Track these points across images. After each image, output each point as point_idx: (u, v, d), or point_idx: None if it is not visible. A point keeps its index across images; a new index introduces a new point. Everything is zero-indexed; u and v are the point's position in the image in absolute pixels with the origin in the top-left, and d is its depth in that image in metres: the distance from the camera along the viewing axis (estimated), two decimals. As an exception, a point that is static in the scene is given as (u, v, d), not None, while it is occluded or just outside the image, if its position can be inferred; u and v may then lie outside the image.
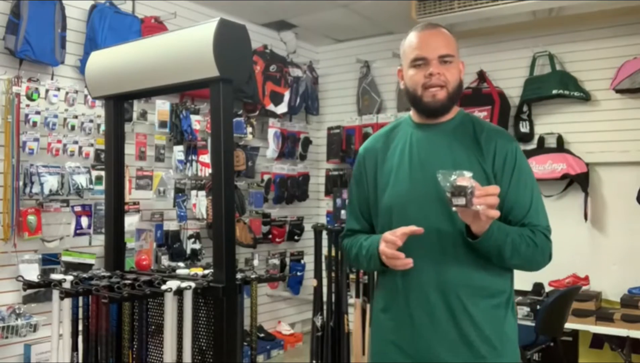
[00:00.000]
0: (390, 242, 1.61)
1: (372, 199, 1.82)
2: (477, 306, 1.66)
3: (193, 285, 1.83)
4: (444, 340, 1.66)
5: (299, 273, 5.52)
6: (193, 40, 1.86)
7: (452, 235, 1.65)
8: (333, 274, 3.42)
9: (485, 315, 1.66)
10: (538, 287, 4.41)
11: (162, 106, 4.37)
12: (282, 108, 5.29)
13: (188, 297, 1.83)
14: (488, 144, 1.70)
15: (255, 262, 5.09)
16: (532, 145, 4.75)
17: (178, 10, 4.48)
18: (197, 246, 4.61)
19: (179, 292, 1.82)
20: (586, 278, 4.41)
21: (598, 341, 4.27)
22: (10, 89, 3.49)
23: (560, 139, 4.61)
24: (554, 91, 4.56)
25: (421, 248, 1.65)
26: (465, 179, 1.48)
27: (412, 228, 1.60)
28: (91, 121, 3.91)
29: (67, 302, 1.93)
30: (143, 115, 4.28)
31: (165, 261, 4.30)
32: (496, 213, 1.50)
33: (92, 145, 3.90)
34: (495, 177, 1.67)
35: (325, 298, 3.46)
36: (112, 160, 2.24)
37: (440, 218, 1.64)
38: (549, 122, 4.71)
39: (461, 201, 1.47)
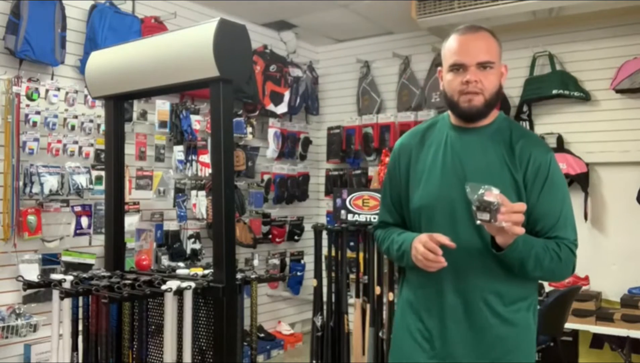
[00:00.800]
0: (431, 250, 1.62)
1: (404, 196, 1.83)
2: (497, 312, 1.67)
3: (193, 285, 1.83)
4: (462, 341, 1.68)
5: (299, 273, 5.52)
6: (193, 40, 1.86)
7: (477, 243, 1.65)
8: (333, 274, 3.42)
9: (506, 321, 1.67)
10: (538, 287, 4.41)
11: (162, 106, 4.37)
12: (282, 108, 5.29)
13: (188, 297, 1.83)
14: (523, 154, 1.69)
15: (255, 262, 5.09)
16: (532, 145, 4.74)
17: (178, 10, 4.48)
18: (197, 246, 4.61)
19: (179, 292, 1.82)
20: (586, 278, 4.41)
21: (598, 341, 4.27)
22: (10, 89, 3.49)
23: (560, 139, 4.61)
24: (554, 91, 4.56)
25: (446, 255, 1.65)
26: (492, 194, 1.47)
27: (446, 241, 1.61)
28: (91, 121, 3.91)
29: (67, 302, 1.93)
30: (143, 115, 4.28)
31: (165, 261, 4.30)
32: (521, 230, 1.51)
33: (92, 145, 3.90)
34: (525, 187, 1.67)
35: (325, 298, 3.46)
36: (112, 160, 2.24)
37: (467, 224, 1.64)
38: (549, 122, 4.71)
39: (485, 216, 1.48)
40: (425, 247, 1.63)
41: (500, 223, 1.47)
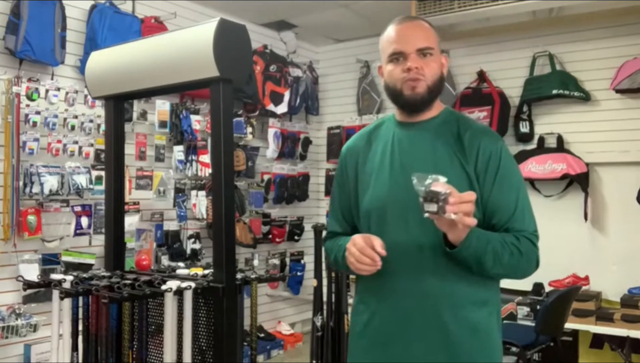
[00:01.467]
0: (368, 256, 1.53)
1: (353, 202, 1.75)
2: (456, 316, 1.57)
3: (193, 285, 1.83)
4: (418, 350, 1.58)
5: (299, 273, 5.52)
6: (193, 40, 1.86)
7: (432, 243, 1.56)
8: (333, 274, 3.42)
9: (463, 326, 1.57)
10: (538, 287, 4.41)
11: (162, 106, 4.37)
12: (282, 108, 5.29)
13: (188, 297, 1.83)
14: (472, 144, 1.61)
15: (255, 262, 5.09)
16: (532, 145, 4.75)
17: (178, 10, 4.48)
18: (197, 246, 4.61)
19: (179, 292, 1.82)
20: (586, 278, 4.41)
21: (598, 341, 4.27)
22: (10, 89, 3.49)
23: (560, 139, 4.61)
24: (554, 91, 4.56)
25: (399, 257, 1.58)
26: (439, 184, 1.38)
27: (379, 247, 1.53)
28: (91, 121, 3.91)
29: (67, 302, 1.93)
30: (143, 115, 4.28)
31: (165, 261, 4.30)
32: (472, 221, 1.41)
33: (92, 145, 3.90)
34: (478, 179, 1.59)
35: (325, 298, 3.46)
36: (112, 160, 2.24)
37: (420, 224, 1.54)
38: (549, 122, 4.71)
39: (432, 207, 1.38)
40: (362, 252, 1.54)
41: (449, 215, 1.37)
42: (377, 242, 1.53)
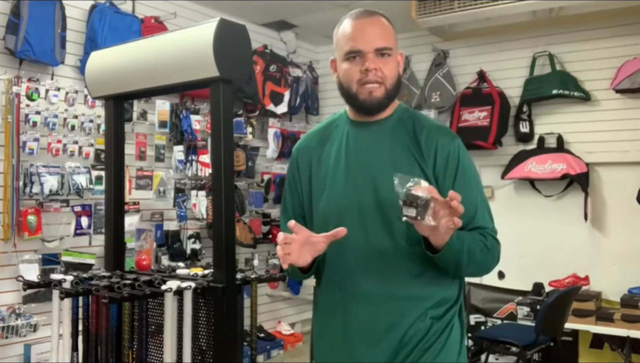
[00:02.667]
0: (285, 242, 1.44)
1: (307, 206, 1.66)
2: (419, 318, 1.52)
3: (193, 285, 1.83)
4: (380, 354, 1.53)
5: (299, 273, 5.51)
6: (193, 40, 1.86)
7: (392, 245, 1.52)
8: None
9: (425, 327, 1.52)
10: (538, 287, 4.41)
11: (162, 106, 4.37)
12: (282, 108, 5.29)
13: (188, 297, 1.83)
14: (428, 144, 1.55)
15: (255, 262, 5.09)
16: (532, 145, 4.75)
17: (178, 10, 4.48)
18: (197, 246, 4.61)
19: (179, 292, 1.82)
20: (586, 278, 4.41)
21: (598, 341, 4.27)
22: (10, 89, 3.49)
23: (560, 139, 4.61)
24: (554, 91, 4.56)
25: (359, 260, 1.54)
26: (421, 188, 1.33)
27: (336, 230, 1.45)
28: (91, 121, 3.91)
29: (67, 302, 1.93)
30: (143, 115, 4.28)
31: (165, 261, 4.30)
32: (458, 223, 1.34)
33: (92, 145, 3.90)
34: (437, 180, 1.54)
35: (325, 298, 3.45)
36: (112, 160, 2.24)
37: (380, 227, 1.52)
38: (549, 122, 4.71)
39: (412, 212, 1.32)
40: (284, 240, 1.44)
41: (428, 221, 1.32)
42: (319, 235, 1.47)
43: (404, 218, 1.35)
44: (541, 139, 4.70)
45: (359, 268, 1.54)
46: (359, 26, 1.56)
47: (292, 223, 1.45)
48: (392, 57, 1.56)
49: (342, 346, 1.59)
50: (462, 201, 1.47)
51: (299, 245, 1.45)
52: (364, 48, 1.53)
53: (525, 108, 4.76)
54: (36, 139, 3.59)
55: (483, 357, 4.05)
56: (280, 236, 1.44)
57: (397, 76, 1.59)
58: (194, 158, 4.57)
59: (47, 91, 3.69)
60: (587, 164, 4.45)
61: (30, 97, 3.60)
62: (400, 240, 1.51)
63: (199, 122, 4.56)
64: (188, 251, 4.55)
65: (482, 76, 4.91)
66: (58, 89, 3.75)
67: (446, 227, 1.34)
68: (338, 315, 1.60)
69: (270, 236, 5.33)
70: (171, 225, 4.48)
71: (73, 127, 3.81)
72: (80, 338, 1.96)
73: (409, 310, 1.52)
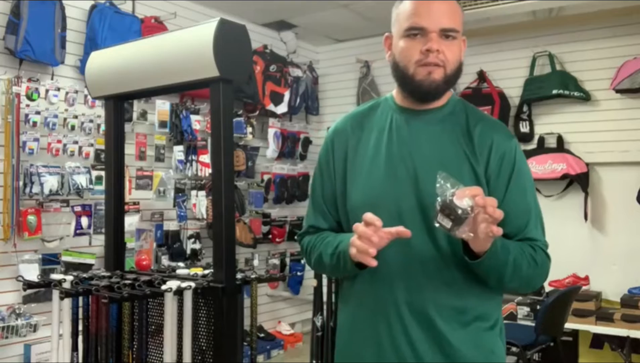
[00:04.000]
0: (365, 235, 1.28)
1: (340, 194, 1.51)
2: (456, 330, 1.39)
3: (193, 285, 1.83)
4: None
5: (299, 273, 5.52)
6: (193, 40, 1.86)
7: (431, 248, 1.38)
8: (333, 274, 3.42)
9: (465, 340, 1.39)
10: (540, 289, 4.41)
11: (162, 106, 4.37)
12: (282, 108, 5.29)
13: (188, 297, 1.83)
14: (482, 141, 1.42)
15: (255, 262, 5.09)
16: (532, 145, 4.75)
17: (178, 10, 4.48)
18: (197, 246, 4.61)
19: (179, 292, 1.82)
20: (586, 278, 4.41)
21: (598, 341, 4.27)
22: (10, 89, 3.49)
23: (560, 139, 4.61)
24: (554, 91, 4.56)
25: (394, 261, 1.39)
26: (464, 198, 1.19)
27: (400, 229, 1.29)
28: (91, 121, 3.91)
29: (67, 302, 1.93)
30: (143, 115, 4.28)
31: (165, 261, 4.30)
32: (499, 231, 1.21)
33: (92, 145, 3.90)
34: (488, 182, 1.40)
35: (325, 298, 3.46)
36: (112, 160, 2.24)
37: (418, 227, 1.37)
38: (549, 122, 4.71)
39: (446, 222, 1.20)
40: (358, 230, 1.29)
41: (462, 234, 1.21)
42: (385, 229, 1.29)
43: (437, 224, 1.22)
44: (541, 139, 4.70)
45: (393, 272, 1.40)
46: (426, 2, 1.39)
47: (369, 215, 1.28)
48: (457, 41, 1.42)
49: (373, 354, 1.45)
50: (515, 208, 1.38)
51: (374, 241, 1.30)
52: (429, 26, 1.37)
53: (525, 108, 4.76)
54: (36, 139, 3.59)
55: (483, 357, 4.04)
56: (361, 227, 1.29)
57: (459, 62, 1.44)
58: (194, 158, 4.57)
59: (47, 91, 3.69)
60: (587, 164, 4.45)
61: (30, 97, 3.60)
62: (441, 242, 1.38)
63: (199, 122, 4.56)
64: (188, 251, 4.55)
65: (482, 76, 4.91)
66: (58, 89, 3.75)
67: (485, 234, 1.21)
68: (366, 325, 1.47)
69: (270, 236, 5.33)
70: (171, 225, 4.48)
71: (73, 128, 3.81)
72: (80, 338, 1.96)
73: (448, 324, 1.39)
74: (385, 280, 1.42)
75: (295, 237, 1.83)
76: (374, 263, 1.28)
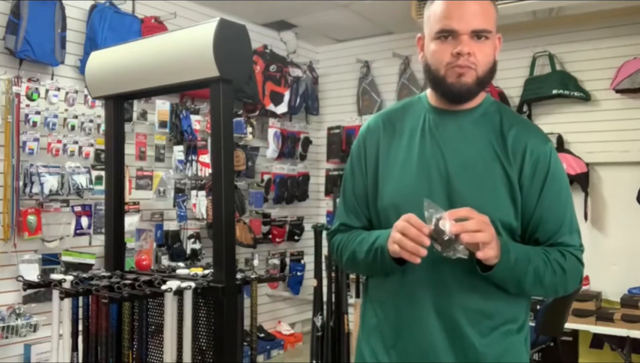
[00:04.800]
0: (418, 239, 1.28)
1: (372, 193, 1.50)
2: (483, 335, 1.39)
3: (193, 285, 1.83)
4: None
5: (299, 273, 5.52)
6: (193, 40, 1.86)
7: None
8: (333, 274, 3.42)
9: (491, 345, 1.39)
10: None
11: (162, 106, 4.37)
12: (282, 108, 5.29)
13: (188, 297, 1.83)
14: (516, 144, 1.40)
15: (255, 262, 5.09)
16: (532, 145, 4.75)
17: (178, 10, 4.48)
18: (197, 246, 4.61)
19: (179, 292, 1.82)
20: (586, 278, 4.41)
21: (598, 341, 4.27)
22: (10, 89, 3.49)
23: (560, 139, 4.61)
24: (554, 91, 4.56)
25: (424, 262, 1.35)
26: (448, 222, 1.23)
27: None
28: (91, 121, 3.91)
29: (67, 302, 1.93)
30: (143, 115, 4.28)
31: (165, 261, 4.30)
32: (483, 237, 1.24)
33: (92, 145, 3.90)
34: (522, 187, 1.38)
35: (325, 298, 3.46)
36: (112, 160, 2.23)
37: None
38: (549, 122, 4.70)
39: (437, 247, 1.25)
40: (409, 222, 1.29)
41: (458, 254, 1.24)
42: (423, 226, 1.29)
43: (435, 249, 1.26)
44: (541, 139, 4.70)
45: (422, 273, 1.39)
46: (457, 3, 1.38)
47: (414, 219, 1.29)
48: (489, 41, 1.41)
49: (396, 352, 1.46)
50: (548, 213, 1.39)
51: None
52: (459, 28, 1.36)
53: (525, 108, 4.76)
54: (36, 139, 3.59)
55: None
56: (410, 228, 1.29)
57: (493, 62, 1.44)
58: (194, 158, 4.57)
59: (47, 91, 3.69)
60: (587, 164, 4.45)
61: (30, 97, 3.60)
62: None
63: (199, 122, 4.56)
64: (188, 251, 4.55)
65: (482, 76, 4.91)
66: (58, 89, 3.75)
67: (481, 258, 1.25)
68: (393, 324, 1.46)
69: (270, 236, 5.33)
70: (171, 225, 4.48)
71: (73, 127, 3.81)
72: (80, 338, 1.96)
73: (473, 327, 1.38)
74: (415, 280, 1.42)
75: (325, 235, 1.82)
76: (418, 260, 1.28)
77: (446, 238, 1.23)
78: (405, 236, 1.29)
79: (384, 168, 1.49)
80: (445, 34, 1.38)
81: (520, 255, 1.33)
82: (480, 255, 1.24)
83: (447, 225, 1.23)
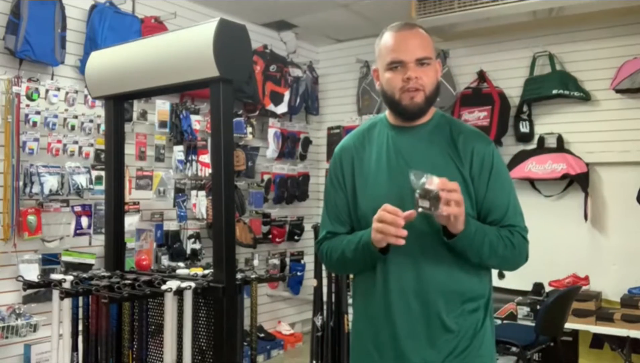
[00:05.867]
0: (394, 222, 1.53)
1: (351, 200, 1.77)
2: (454, 312, 1.64)
3: (193, 285, 1.83)
4: (418, 343, 1.64)
5: (299, 273, 5.52)
6: (193, 40, 1.86)
7: (431, 237, 1.63)
8: (333, 274, 3.42)
9: (460, 321, 1.65)
10: (538, 287, 4.41)
11: (162, 106, 4.37)
12: (282, 108, 5.29)
13: (188, 297, 1.83)
14: (465, 148, 1.69)
15: (255, 262, 5.09)
16: (532, 145, 4.75)
17: (178, 10, 4.48)
18: (197, 246, 4.61)
19: (179, 292, 1.82)
20: (586, 278, 4.41)
21: (598, 341, 4.27)
22: (10, 89, 3.49)
23: (560, 139, 4.61)
24: (554, 91, 4.56)
25: (401, 251, 1.61)
26: (433, 183, 1.49)
27: (408, 212, 1.54)
28: (91, 121, 3.91)
29: (67, 302, 1.93)
30: (143, 115, 4.28)
31: (165, 261, 4.30)
32: (455, 210, 1.49)
33: (92, 145, 3.90)
34: (472, 181, 1.67)
35: (325, 298, 3.46)
36: (112, 160, 2.24)
37: (420, 220, 1.59)
38: (549, 122, 4.71)
39: (425, 204, 1.49)
40: (385, 210, 1.55)
41: (440, 211, 1.48)
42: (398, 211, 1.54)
43: (420, 209, 1.50)
44: (541, 139, 4.70)
45: (401, 260, 1.64)
46: (400, 38, 1.68)
47: (389, 206, 1.54)
48: (431, 66, 1.68)
49: (384, 340, 1.68)
50: (495, 201, 1.68)
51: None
52: (405, 58, 1.65)
53: (525, 108, 4.76)
54: (36, 139, 3.59)
55: (483, 357, 4.04)
56: (387, 214, 1.53)
57: (436, 82, 1.70)
58: (194, 158, 4.57)
59: (47, 91, 3.69)
60: (587, 164, 4.45)
61: (30, 97, 3.60)
62: (433, 222, 1.60)
63: (199, 122, 4.56)
64: (188, 251, 4.55)
65: (482, 76, 4.91)
66: (58, 89, 3.75)
67: (447, 212, 1.48)
68: (379, 310, 1.69)
69: (270, 236, 5.33)
70: (171, 225, 4.48)
71: (73, 127, 3.81)
72: (80, 338, 1.96)
73: (446, 305, 1.64)
74: (389, 267, 1.66)
75: (314, 244, 2.09)
76: (402, 241, 1.53)
77: (433, 194, 1.48)
78: (384, 222, 1.54)
79: (359, 181, 1.75)
80: (395, 65, 1.67)
81: (479, 227, 1.61)
82: (451, 210, 1.48)
83: (435, 181, 1.49)
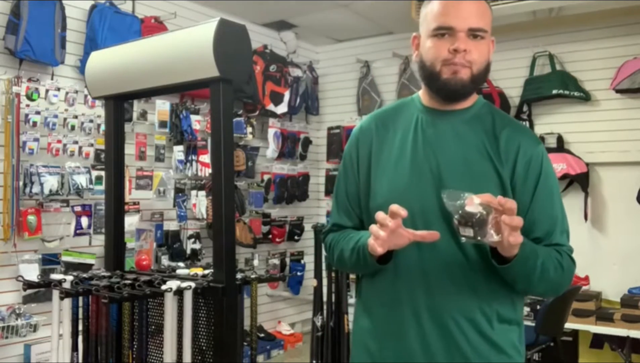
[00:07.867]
0: (384, 222, 1.28)
1: (363, 193, 1.50)
2: (477, 337, 1.38)
3: (193, 285, 1.83)
4: None
5: (299, 273, 5.52)
6: (193, 40, 1.86)
7: (455, 250, 1.36)
8: (333, 274, 3.42)
9: (486, 346, 1.38)
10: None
11: (162, 106, 4.37)
12: (282, 108, 5.29)
13: (188, 297, 1.83)
14: (509, 145, 1.40)
15: (255, 262, 5.09)
16: (532, 145, 4.74)
17: (178, 10, 4.48)
18: (197, 246, 4.61)
19: (179, 292, 1.82)
20: (586, 278, 4.41)
21: (598, 341, 4.27)
22: (10, 89, 3.49)
23: (560, 139, 4.61)
24: (554, 91, 4.56)
25: (416, 262, 1.38)
26: (474, 204, 1.18)
27: (426, 233, 1.28)
28: (91, 121, 3.91)
29: (67, 302, 1.93)
30: (143, 115, 4.28)
31: (165, 261, 4.30)
32: (517, 239, 1.20)
33: (92, 145, 3.90)
34: (514, 187, 1.38)
35: (325, 298, 3.46)
36: (112, 160, 2.24)
37: (443, 227, 1.34)
38: (549, 122, 4.71)
39: (469, 232, 1.19)
40: (378, 217, 1.30)
41: (490, 237, 1.19)
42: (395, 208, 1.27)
43: (463, 239, 1.22)
44: (541, 139, 4.69)
45: (414, 269, 1.39)
46: (455, 1, 1.39)
47: (394, 207, 1.26)
48: (485, 41, 1.42)
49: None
50: (542, 214, 1.39)
51: (390, 232, 1.28)
52: (457, 25, 1.37)
53: (525, 108, 4.76)
54: (36, 139, 3.59)
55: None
56: (381, 215, 1.29)
57: (487, 62, 1.44)
58: (194, 158, 4.57)
59: (47, 91, 3.69)
60: (587, 164, 4.45)
61: (30, 97, 3.60)
62: (466, 247, 1.35)
63: (199, 122, 4.56)
64: (188, 251, 4.55)
65: (482, 76, 4.91)
66: (58, 89, 3.75)
67: (508, 242, 1.20)
68: (386, 325, 1.46)
69: (270, 236, 5.33)
70: (171, 225, 4.48)
71: (73, 127, 3.81)
72: (80, 338, 1.96)
73: (481, 328, 1.38)
74: (405, 280, 1.41)
75: (320, 235, 1.84)
76: (380, 251, 1.29)
77: (477, 220, 1.18)
78: (382, 224, 1.28)
79: (376, 167, 1.49)
80: (442, 32, 1.38)
81: (532, 250, 1.31)
82: (512, 239, 1.19)
83: (476, 201, 1.18)
